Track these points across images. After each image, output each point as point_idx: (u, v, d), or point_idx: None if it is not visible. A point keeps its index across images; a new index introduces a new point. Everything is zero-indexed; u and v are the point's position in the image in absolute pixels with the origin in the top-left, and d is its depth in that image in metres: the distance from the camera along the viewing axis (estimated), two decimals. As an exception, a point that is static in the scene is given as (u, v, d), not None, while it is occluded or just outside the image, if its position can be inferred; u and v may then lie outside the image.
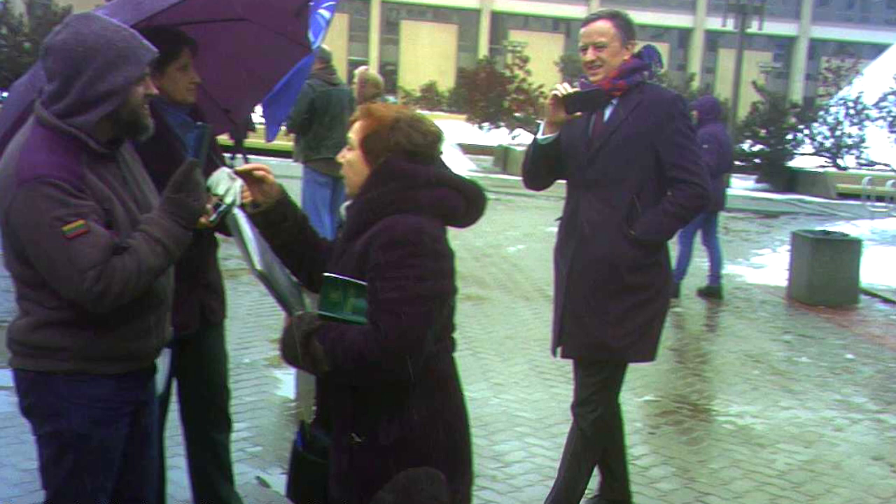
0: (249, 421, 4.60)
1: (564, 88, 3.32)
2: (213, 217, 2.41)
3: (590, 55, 3.42)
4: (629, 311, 3.40)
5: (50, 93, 2.16)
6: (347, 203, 2.24)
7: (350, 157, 2.23)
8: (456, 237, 2.23)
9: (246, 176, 2.34)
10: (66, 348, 2.21)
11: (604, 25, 3.43)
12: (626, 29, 3.45)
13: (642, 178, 3.41)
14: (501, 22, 50.18)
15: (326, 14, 4.23)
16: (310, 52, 3.50)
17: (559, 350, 3.57)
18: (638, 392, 5.44)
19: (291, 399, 5.18)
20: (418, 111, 2.35)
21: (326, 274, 2.09)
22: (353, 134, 2.22)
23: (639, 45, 3.51)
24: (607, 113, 3.43)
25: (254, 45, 3.37)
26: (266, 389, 5.18)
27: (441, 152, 2.24)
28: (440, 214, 2.16)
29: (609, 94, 3.39)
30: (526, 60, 26.23)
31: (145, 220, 2.22)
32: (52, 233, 2.06)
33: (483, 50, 46.01)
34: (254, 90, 3.65)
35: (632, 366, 3.62)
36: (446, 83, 35.93)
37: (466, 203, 2.21)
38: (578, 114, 3.34)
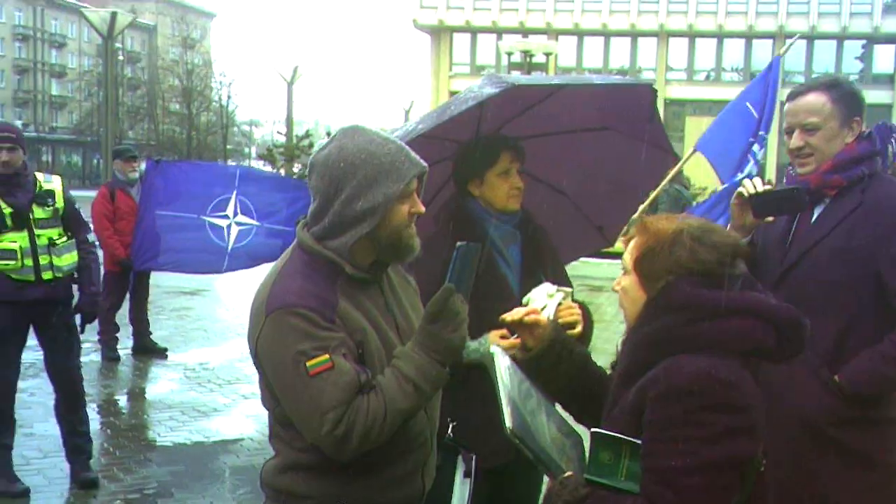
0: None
1: (752, 186, 2.54)
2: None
3: (796, 140, 2.61)
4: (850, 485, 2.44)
5: (312, 213, 2.05)
6: (622, 338, 1.84)
7: (624, 284, 1.84)
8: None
9: (516, 324, 2.08)
10: (311, 496, 2.03)
11: (816, 100, 2.60)
12: (849, 103, 2.60)
13: (855, 305, 2.51)
14: None
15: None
16: (673, 156, 3.15)
17: None
18: None
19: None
20: (707, 220, 1.89)
21: (595, 430, 1.70)
22: (628, 254, 1.84)
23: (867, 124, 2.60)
24: (815, 213, 2.56)
25: (617, 155, 3.12)
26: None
27: (739, 270, 1.75)
28: (740, 352, 1.68)
29: (817, 193, 2.53)
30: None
31: (398, 355, 1.98)
32: (295, 368, 1.89)
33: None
34: (621, 202, 3.37)
35: None
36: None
37: (777, 334, 1.71)
38: (770, 218, 2.54)
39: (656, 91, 3.03)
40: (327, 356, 1.88)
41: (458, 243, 2.04)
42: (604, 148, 3.13)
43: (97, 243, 4.93)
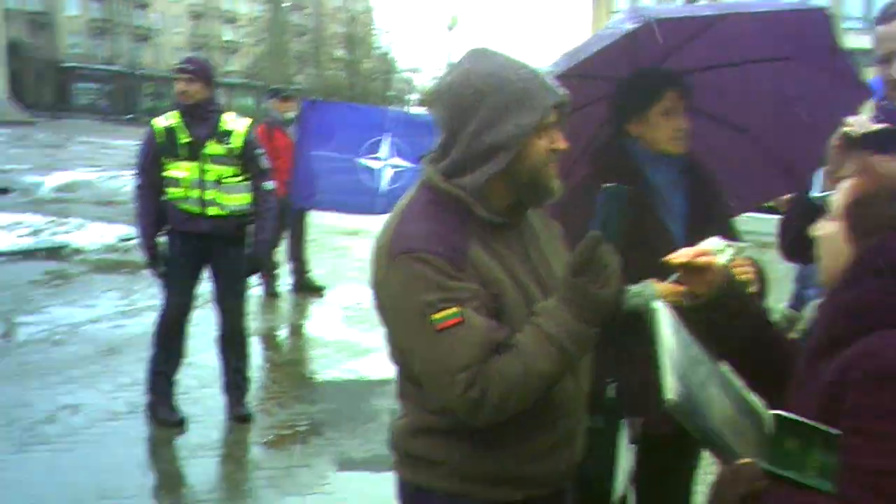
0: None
1: (860, 123, 2.09)
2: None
3: None
4: None
5: (438, 147, 1.81)
6: (818, 300, 1.53)
7: (828, 230, 1.52)
8: None
9: (684, 266, 1.78)
10: (446, 462, 1.82)
11: None
12: None
13: None
14: None
15: None
16: (865, 91, 2.72)
17: None
18: None
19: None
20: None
21: (778, 413, 1.41)
22: (839, 196, 1.52)
23: None
24: None
25: (802, 88, 2.74)
26: None
27: None
28: None
29: None
30: None
31: (540, 310, 1.73)
32: (420, 321, 1.67)
33: None
34: (812, 141, 2.98)
35: None
36: None
37: None
38: None
39: (832, 16, 2.62)
40: (457, 309, 1.66)
41: (604, 185, 1.76)
42: (786, 80, 2.77)
43: (274, 192, 4.92)
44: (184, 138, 4.72)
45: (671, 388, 1.40)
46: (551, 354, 1.68)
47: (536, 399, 1.72)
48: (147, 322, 5.68)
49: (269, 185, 4.91)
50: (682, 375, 1.45)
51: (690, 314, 1.72)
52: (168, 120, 4.80)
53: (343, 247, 11.17)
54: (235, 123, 4.82)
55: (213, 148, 4.73)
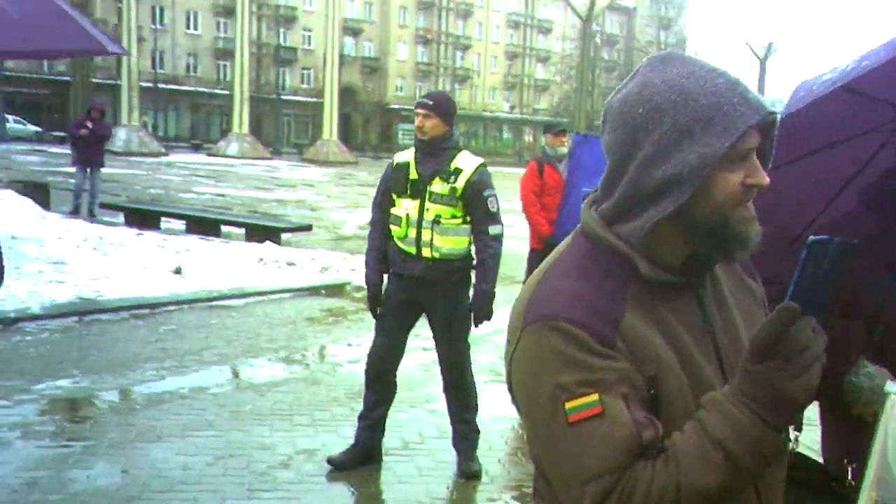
0: None
1: None
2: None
3: None
4: None
5: (602, 183, 1.41)
6: None
7: None
8: None
9: None
10: None
11: None
12: None
13: None
14: None
15: None
16: None
17: None
18: None
19: None
20: None
21: None
22: None
23: None
24: None
25: None
26: None
27: None
28: None
29: None
30: None
31: (708, 404, 1.28)
32: (550, 409, 1.29)
33: None
34: None
35: None
36: None
37: None
38: None
39: None
40: (597, 396, 1.26)
41: (812, 239, 1.26)
42: None
43: (500, 238, 4.61)
44: (413, 175, 4.57)
45: (872, 485, 1.05)
46: (717, 466, 1.23)
47: None
48: (408, 365, 5.58)
49: (496, 229, 4.58)
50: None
51: None
52: (406, 155, 4.68)
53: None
54: (466, 162, 4.57)
55: (436, 186, 4.52)
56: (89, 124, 15.07)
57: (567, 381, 1.27)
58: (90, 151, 15.18)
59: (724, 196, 1.31)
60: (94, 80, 38.93)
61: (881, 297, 2.15)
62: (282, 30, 64.38)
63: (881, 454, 1.12)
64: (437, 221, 4.51)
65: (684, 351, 1.35)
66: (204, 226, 13.64)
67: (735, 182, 1.31)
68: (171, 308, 8.63)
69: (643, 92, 1.33)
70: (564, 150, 7.81)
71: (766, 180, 1.33)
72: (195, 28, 64.51)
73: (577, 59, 63.91)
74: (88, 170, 15.26)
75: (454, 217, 4.53)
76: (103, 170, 15.77)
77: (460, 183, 4.50)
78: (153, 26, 58.57)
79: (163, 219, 14.29)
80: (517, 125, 78.41)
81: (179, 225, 14.15)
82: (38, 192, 14.90)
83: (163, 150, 35.39)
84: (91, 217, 14.54)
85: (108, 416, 5.45)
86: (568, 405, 1.26)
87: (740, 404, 1.24)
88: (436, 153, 4.55)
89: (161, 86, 56.91)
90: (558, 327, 1.29)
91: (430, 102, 4.55)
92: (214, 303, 9.01)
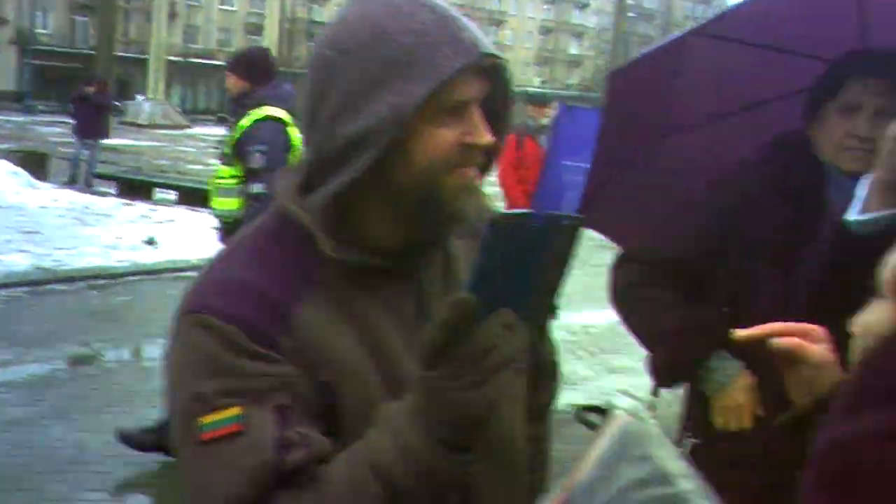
0: None
1: None
2: None
3: None
4: None
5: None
6: None
7: (872, 319, 0.88)
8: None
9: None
10: None
11: None
12: None
13: None
14: None
15: None
16: None
17: None
18: None
19: None
20: None
21: None
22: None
23: None
24: None
25: None
26: None
27: None
28: None
29: None
30: None
31: (380, 418, 1.01)
32: (185, 422, 1.02)
33: None
34: None
35: None
36: None
37: None
38: None
39: None
40: (238, 410, 0.98)
41: (499, 214, 0.99)
42: None
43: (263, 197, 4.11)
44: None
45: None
46: (373, 498, 0.97)
47: None
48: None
49: (257, 187, 4.04)
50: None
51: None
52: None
53: (600, 264, 10.18)
54: (249, 116, 4.16)
55: (228, 143, 4.27)
56: (90, 90, 14.92)
57: (207, 390, 1.00)
58: (90, 121, 15.03)
59: (433, 158, 1.04)
60: (119, 54, 39.04)
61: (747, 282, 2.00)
62: (314, 5, 64.23)
63: (589, 460, 0.85)
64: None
65: (386, 351, 1.07)
66: (195, 197, 13.42)
67: (447, 141, 1.04)
68: (132, 279, 8.40)
69: (339, 31, 1.06)
70: (545, 121, 7.41)
71: (487, 138, 1.06)
72: (231, 4, 64.52)
73: (612, 34, 63.04)
74: (88, 140, 15.13)
75: (231, 177, 4.21)
76: (110, 141, 15.64)
77: (233, 137, 4.20)
78: (188, 1, 58.73)
79: (157, 190, 14.10)
80: (547, 100, 77.52)
81: (173, 196, 13.95)
82: (37, 161, 14.81)
83: (187, 123, 35.52)
84: (87, 187, 14.41)
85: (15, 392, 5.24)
86: (204, 420, 0.99)
87: (410, 422, 0.97)
88: (238, 111, 4.28)
89: (192, 60, 57.12)
90: (204, 322, 1.02)
91: (231, 61, 4.40)
92: (180, 273, 8.76)
